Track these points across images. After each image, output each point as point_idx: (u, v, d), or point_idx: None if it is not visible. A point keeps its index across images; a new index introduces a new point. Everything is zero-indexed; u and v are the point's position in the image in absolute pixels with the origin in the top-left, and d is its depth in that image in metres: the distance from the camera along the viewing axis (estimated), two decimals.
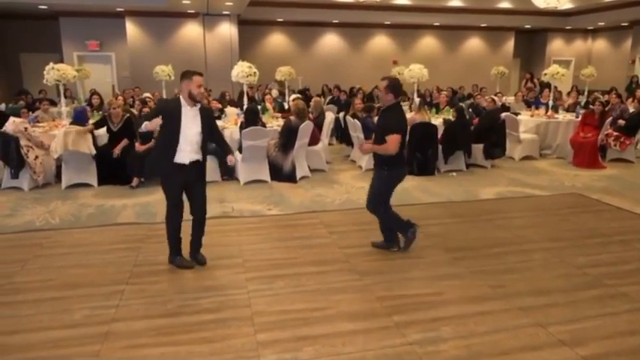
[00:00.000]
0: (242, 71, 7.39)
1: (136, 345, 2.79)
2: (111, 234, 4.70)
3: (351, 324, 3.01)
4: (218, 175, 6.76)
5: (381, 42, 15.71)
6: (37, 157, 6.39)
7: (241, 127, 6.67)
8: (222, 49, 12.74)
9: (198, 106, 3.66)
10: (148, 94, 9.01)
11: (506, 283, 3.56)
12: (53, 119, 7.86)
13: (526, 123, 8.65)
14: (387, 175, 3.92)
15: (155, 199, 5.82)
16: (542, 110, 9.06)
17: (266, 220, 5.13)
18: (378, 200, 4.01)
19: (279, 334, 2.89)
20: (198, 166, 3.74)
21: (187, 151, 3.62)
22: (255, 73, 7.45)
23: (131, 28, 12.33)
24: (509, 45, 16.64)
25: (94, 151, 6.47)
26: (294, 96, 8.31)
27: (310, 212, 5.35)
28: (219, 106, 8.54)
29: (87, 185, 6.47)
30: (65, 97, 11.83)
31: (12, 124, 6.31)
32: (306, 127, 6.71)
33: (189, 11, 12.07)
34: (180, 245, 3.88)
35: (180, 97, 3.62)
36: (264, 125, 6.84)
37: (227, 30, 12.81)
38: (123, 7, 11.63)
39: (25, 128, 6.39)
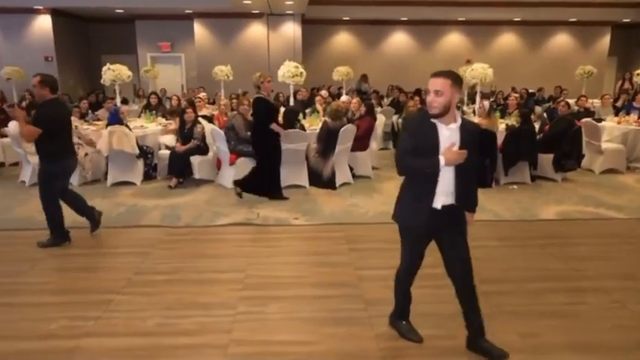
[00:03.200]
0: (288, 71, 7.12)
1: None
2: (128, 236, 4.63)
3: None
4: None
5: (453, 40, 14.72)
6: (86, 154, 6.60)
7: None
8: (286, 49, 12.63)
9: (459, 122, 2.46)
10: (200, 95, 9.06)
11: (541, 331, 2.89)
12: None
13: (610, 131, 7.49)
14: None
15: (185, 202, 5.74)
16: (633, 116, 7.81)
17: (287, 230, 4.79)
18: None
19: None
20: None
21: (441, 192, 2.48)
22: (301, 73, 7.14)
23: (199, 29, 12.64)
24: (604, 42, 14.82)
25: (137, 151, 6.56)
26: (344, 97, 7.88)
27: (337, 224, 4.92)
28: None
29: (130, 184, 6.58)
30: (138, 95, 12.48)
31: None
32: (347, 131, 6.27)
33: (254, 12, 12.11)
34: (409, 307, 2.86)
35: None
36: (303, 128, 6.51)
37: (291, 30, 12.69)
38: (191, 9, 11.94)
39: (76, 126, 6.63)
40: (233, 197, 5.89)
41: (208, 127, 6.77)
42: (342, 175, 6.46)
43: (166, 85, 12.77)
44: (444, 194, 2.46)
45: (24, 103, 8.98)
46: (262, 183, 5.73)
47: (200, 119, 7.08)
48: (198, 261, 3.99)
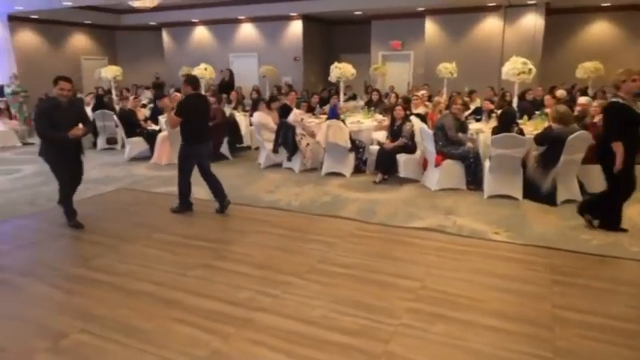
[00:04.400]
0: (514, 68, 6.39)
1: (261, 342, 2.80)
2: (323, 225, 4.90)
3: None
4: (463, 183, 6.12)
5: None
6: (308, 144, 7.30)
7: (493, 132, 5.80)
8: (522, 43, 11.40)
9: None
10: (418, 93, 8.93)
11: None
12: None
13: None
14: None
15: (384, 198, 5.77)
16: None
17: (482, 245, 4.30)
18: None
19: None
20: None
21: None
22: (530, 70, 6.32)
23: (430, 26, 12.51)
24: None
25: (349, 145, 6.90)
26: (582, 99, 6.62)
27: (545, 248, 4.17)
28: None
29: (341, 175, 6.98)
30: (366, 92, 13.18)
31: (293, 115, 7.41)
32: (578, 139, 5.25)
33: (490, 4, 11.30)
34: None
35: None
36: (521, 132, 5.74)
37: (531, 22, 11.37)
38: (424, 7, 11.90)
39: (302, 119, 7.38)
40: (432, 200, 5.65)
41: (418, 125, 6.63)
42: (567, 191, 5.47)
43: (394, 83, 13.13)
44: None
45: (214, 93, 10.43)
46: (606, 207, 4.57)
47: (412, 117, 7.01)
48: (379, 260, 3.94)
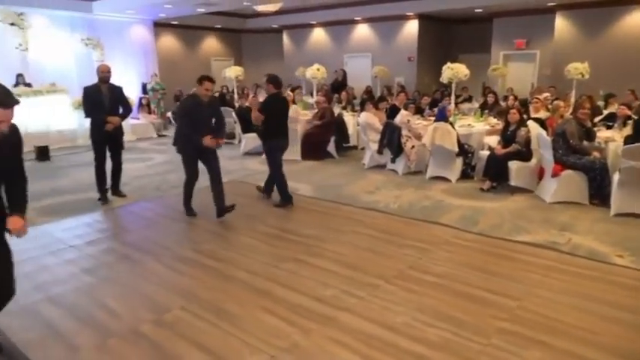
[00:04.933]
0: None
1: (340, 342, 2.81)
2: (419, 229, 4.76)
3: None
4: (585, 197, 5.50)
5: None
6: (413, 146, 7.14)
7: (626, 141, 5.10)
8: None
9: None
10: (540, 96, 8.18)
11: None
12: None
13: None
14: None
15: (490, 207, 5.42)
16: None
17: (599, 268, 3.81)
18: None
19: None
20: None
21: None
22: None
23: (560, 22, 11.39)
24: None
25: (456, 149, 6.60)
26: None
27: None
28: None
29: (446, 179, 6.72)
30: (484, 94, 12.50)
31: (400, 116, 7.29)
32: None
33: None
34: None
35: None
36: None
37: None
38: (555, 2, 10.88)
39: (408, 120, 7.23)
40: (546, 213, 5.17)
41: (535, 131, 6.09)
42: None
43: (516, 84, 12.21)
44: None
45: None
46: None
47: (529, 122, 6.47)
48: (474, 273, 3.72)
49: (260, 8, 12.11)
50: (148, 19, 13.46)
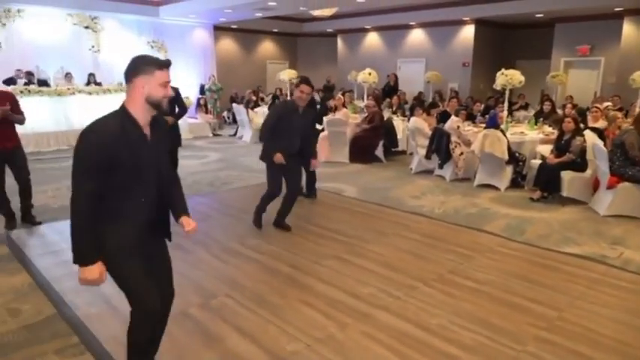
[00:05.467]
0: None
1: (374, 338, 2.90)
2: (464, 236, 4.74)
3: None
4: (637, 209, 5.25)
5: None
6: (462, 153, 7.08)
7: None
8: None
9: None
10: (600, 105, 7.83)
11: None
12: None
13: None
14: None
15: (539, 218, 5.30)
16: None
17: None
18: None
19: None
20: None
21: None
22: None
23: (628, 28, 10.82)
24: None
25: (506, 157, 6.47)
26: None
27: None
28: None
29: (495, 188, 6.61)
30: (542, 101, 12.11)
31: (450, 122, 7.25)
32: None
33: None
34: None
35: None
36: None
37: None
38: (622, 7, 10.35)
39: (458, 126, 7.17)
40: (598, 226, 5.00)
41: (591, 141, 5.88)
42: None
43: (577, 92, 11.73)
44: None
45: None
46: None
47: (586, 132, 6.25)
48: (515, 281, 3.68)
49: (315, 13, 12.36)
50: (209, 23, 14.10)
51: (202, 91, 13.50)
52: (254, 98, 12.68)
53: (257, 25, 15.08)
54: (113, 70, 11.44)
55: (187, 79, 13.04)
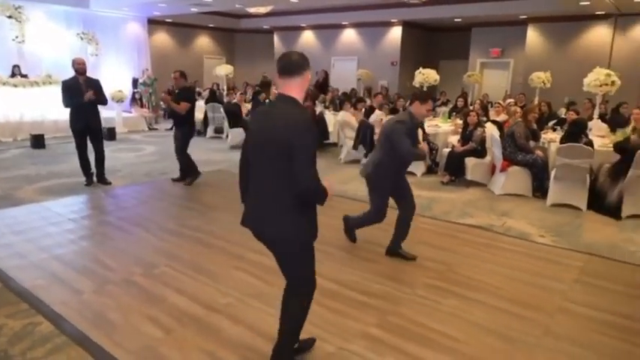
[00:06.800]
0: (596, 80, 6.28)
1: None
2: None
3: None
4: (529, 190, 6.20)
5: None
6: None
7: (561, 142, 5.83)
8: (634, 52, 10.68)
9: None
10: (507, 102, 8.90)
11: None
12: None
13: None
14: None
15: (445, 197, 6.09)
16: None
17: (523, 245, 4.50)
18: None
19: None
20: None
21: None
22: (613, 82, 6.17)
23: (532, 34, 12.18)
24: None
25: None
26: None
27: (585, 254, 4.27)
28: None
29: (413, 174, 7.35)
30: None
31: (374, 116, 7.96)
32: None
33: (598, 13, 10.74)
34: None
35: None
36: (590, 144, 5.68)
37: None
38: (526, 15, 11.65)
39: (381, 119, 7.89)
40: (492, 203, 5.86)
41: (490, 131, 6.80)
42: (633, 206, 5.35)
43: (491, 91, 13.00)
44: None
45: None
46: None
47: (488, 124, 7.19)
48: (420, 246, 4.33)
49: (251, 10, 12.73)
50: (143, 17, 14.00)
51: (135, 85, 13.42)
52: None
53: (193, 20, 15.17)
54: (40, 62, 11.16)
55: (120, 72, 12.92)
